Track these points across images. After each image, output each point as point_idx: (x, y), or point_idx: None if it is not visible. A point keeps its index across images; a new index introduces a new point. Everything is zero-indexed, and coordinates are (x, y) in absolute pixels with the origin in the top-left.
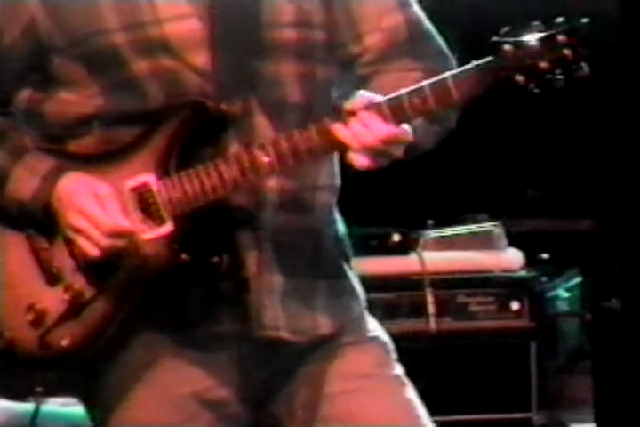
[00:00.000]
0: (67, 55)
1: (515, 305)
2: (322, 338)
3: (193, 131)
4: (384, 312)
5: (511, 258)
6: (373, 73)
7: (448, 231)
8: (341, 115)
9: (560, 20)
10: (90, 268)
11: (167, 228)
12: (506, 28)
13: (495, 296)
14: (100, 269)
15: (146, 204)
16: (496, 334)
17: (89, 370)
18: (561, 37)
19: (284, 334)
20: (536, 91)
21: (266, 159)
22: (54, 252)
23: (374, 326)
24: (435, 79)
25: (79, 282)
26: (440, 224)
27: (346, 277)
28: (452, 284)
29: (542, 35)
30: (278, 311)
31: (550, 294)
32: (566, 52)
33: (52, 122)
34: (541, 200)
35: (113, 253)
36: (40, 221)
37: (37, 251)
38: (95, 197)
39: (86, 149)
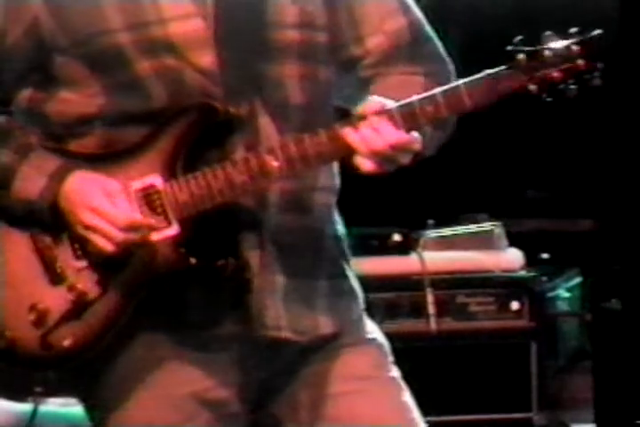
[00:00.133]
0: (69, 55)
1: (515, 305)
2: (323, 338)
3: (200, 133)
4: (384, 312)
5: (511, 258)
6: (375, 75)
7: (448, 231)
8: (351, 119)
9: (574, 29)
10: (96, 267)
11: (174, 230)
12: (519, 37)
13: (495, 296)
14: (107, 270)
15: (151, 205)
16: (496, 335)
17: (89, 370)
18: (575, 48)
19: (286, 334)
20: (548, 100)
21: (275, 163)
22: (58, 251)
23: (372, 328)
24: (447, 87)
25: (83, 282)
26: (440, 224)
27: (346, 278)
28: (452, 284)
29: (556, 45)
30: (280, 311)
31: (550, 294)
32: (580, 62)
33: (53, 121)
34: (541, 200)
35: (124, 251)
36: (46, 221)
37: (41, 250)
38: (105, 194)
39: (87, 148)
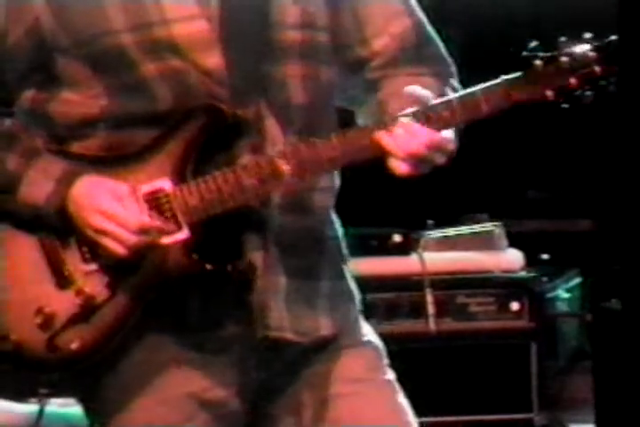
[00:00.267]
0: (71, 55)
1: (515, 306)
2: (323, 339)
3: (209, 137)
4: (384, 313)
5: (511, 258)
6: (382, 77)
7: (448, 232)
8: (383, 122)
9: (589, 35)
10: (105, 271)
11: (184, 234)
12: (535, 43)
13: (495, 297)
14: (116, 273)
15: (160, 209)
16: (496, 335)
17: (92, 372)
18: (592, 54)
19: (289, 335)
20: (564, 106)
21: (286, 167)
22: (66, 255)
23: (368, 330)
24: (464, 92)
25: (91, 285)
26: (441, 225)
27: (345, 279)
28: (452, 284)
29: (573, 51)
30: (283, 312)
31: (550, 294)
32: (597, 68)
33: (56, 122)
34: (542, 201)
35: (135, 254)
36: (53, 225)
37: (49, 253)
38: (114, 197)
39: (90, 150)
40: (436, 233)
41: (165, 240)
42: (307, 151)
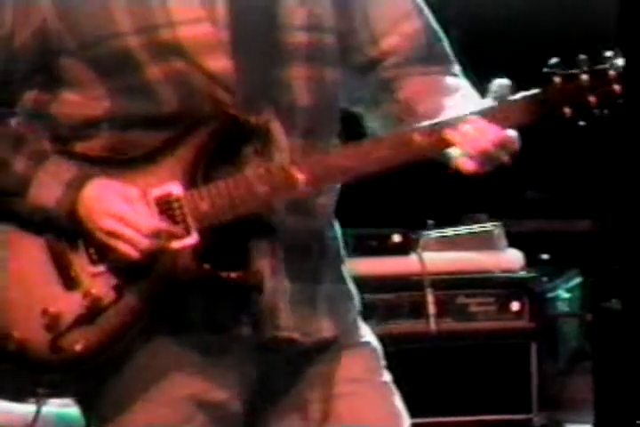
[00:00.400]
0: (76, 57)
1: (515, 306)
2: (325, 340)
3: (221, 143)
4: (384, 313)
5: (511, 258)
6: (397, 77)
7: (448, 232)
8: (452, 120)
9: (609, 53)
10: (113, 273)
11: (193, 239)
12: (554, 60)
13: (495, 297)
14: (124, 276)
15: (170, 213)
16: (496, 335)
17: (94, 373)
18: (612, 73)
19: (296, 336)
20: (582, 124)
21: (301, 176)
22: (74, 256)
23: (366, 331)
24: (483, 108)
25: (98, 287)
26: (440, 224)
27: (344, 280)
28: (452, 284)
29: (593, 69)
30: (289, 313)
31: (550, 294)
32: (616, 87)
33: (58, 123)
34: (541, 201)
35: (146, 258)
36: (62, 227)
37: (56, 255)
38: (126, 201)
39: (94, 151)
40: (436, 233)
41: (175, 245)
42: (322, 160)
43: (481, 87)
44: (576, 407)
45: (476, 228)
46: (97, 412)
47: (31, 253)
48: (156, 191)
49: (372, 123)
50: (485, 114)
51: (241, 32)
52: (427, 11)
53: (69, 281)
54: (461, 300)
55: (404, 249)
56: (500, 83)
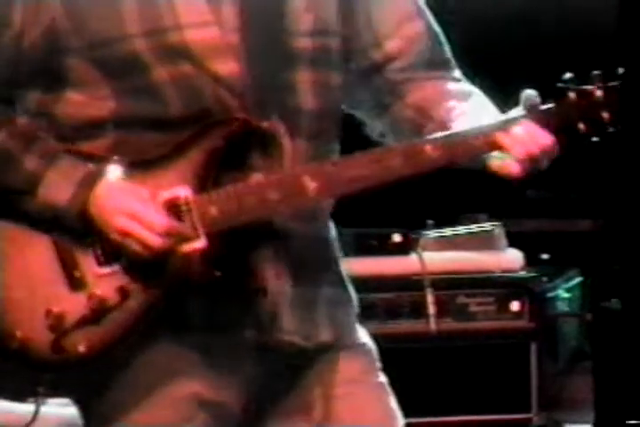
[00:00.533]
0: (82, 57)
1: (515, 306)
2: (324, 344)
3: (232, 147)
4: (384, 313)
5: (511, 258)
6: (405, 80)
7: (448, 232)
8: (503, 122)
9: (622, 70)
10: (121, 274)
11: (201, 243)
12: (568, 75)
13: (495, 297)
14: (129, 278)
15: (179, 217)
16: (496, 335)
17: (95, 374)
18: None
19: (297, 339)
20: (595, 139)
21: (312, 184)
22: (80, 257)
23: (362, 333)
24: (495, 122)
25: (103, 288)
26: (440, 224)
27: (343, 284)
28: (452, 284)
29: (607, 85)
30: (290, 317)
31: (550, 294)
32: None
33: (62, 123)
34: (541, 200)
35: (157, 258)
36: (72, 226)
37: (62, 255)
38: (138, 199)
39: (98, 150)
40: (436, 233)
41: (183, 248)
42: (334, 169)
43: (481, 87)
44: (576, 407)
45: (475, 228)
46: (97, 412)
47: (37, 252)
48: (166, 194)
49: (380, 127)
50: (533, 117)
51: (249, 36)
52: (427, 12)
53: (75, 281)
54: (461, 300)
55: (403, 249)
56: (529, 93)
